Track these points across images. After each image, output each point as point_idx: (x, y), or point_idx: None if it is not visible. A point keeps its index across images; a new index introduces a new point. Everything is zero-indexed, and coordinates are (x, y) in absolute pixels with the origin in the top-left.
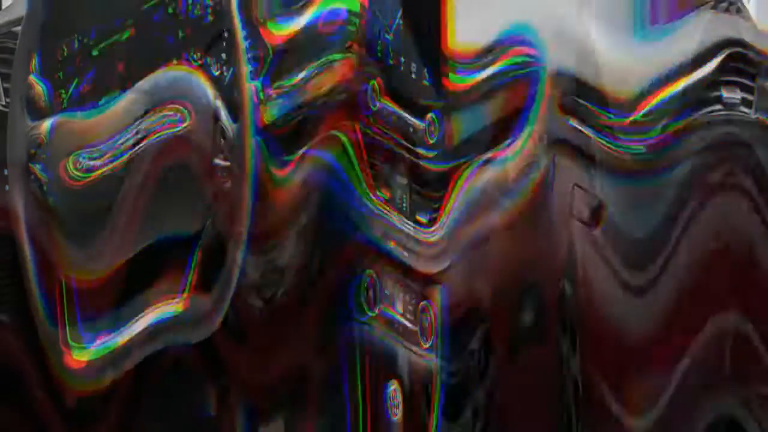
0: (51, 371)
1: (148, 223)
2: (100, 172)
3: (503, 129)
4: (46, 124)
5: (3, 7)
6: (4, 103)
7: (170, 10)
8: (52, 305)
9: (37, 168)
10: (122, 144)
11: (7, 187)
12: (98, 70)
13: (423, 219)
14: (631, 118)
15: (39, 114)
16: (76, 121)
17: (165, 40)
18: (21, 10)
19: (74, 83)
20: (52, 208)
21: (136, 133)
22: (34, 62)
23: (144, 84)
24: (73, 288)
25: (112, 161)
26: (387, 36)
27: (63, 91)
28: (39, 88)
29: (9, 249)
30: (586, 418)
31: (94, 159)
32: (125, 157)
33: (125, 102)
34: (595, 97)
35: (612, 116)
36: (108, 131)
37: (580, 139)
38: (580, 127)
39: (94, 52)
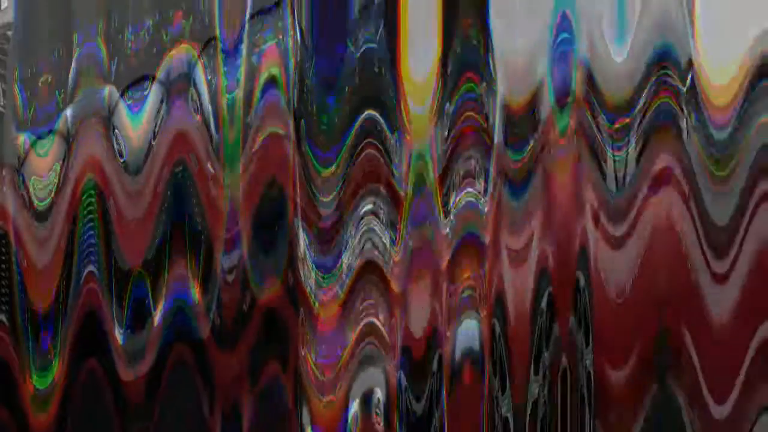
0: (19, 393)
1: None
2: (42, 203)
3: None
4: (22, 138)
5: (2, 7)
6: (3, 104)
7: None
8: (26, 321)
9: (19, 180)
10: (51, 183)
11: (5, 188)
12: (50, 96)
13: (451, 200)
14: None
15: (19, 125)
16: (35, 144)
17: (100, 76)
18: (12, 15)
19: (34, 105)
20: (31, 221)
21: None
22: (17, 72)
23: (62, 126)
24: (38, 308)
25: (44, 198)
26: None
27: (28, 111)
28: (18, 99)
29: (7, 248)
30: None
31: (41, 190)
32: (49, 200)
33: (54, 141)
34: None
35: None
36: (47, 165)
37: (594, 138)
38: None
39: (50, 78)
